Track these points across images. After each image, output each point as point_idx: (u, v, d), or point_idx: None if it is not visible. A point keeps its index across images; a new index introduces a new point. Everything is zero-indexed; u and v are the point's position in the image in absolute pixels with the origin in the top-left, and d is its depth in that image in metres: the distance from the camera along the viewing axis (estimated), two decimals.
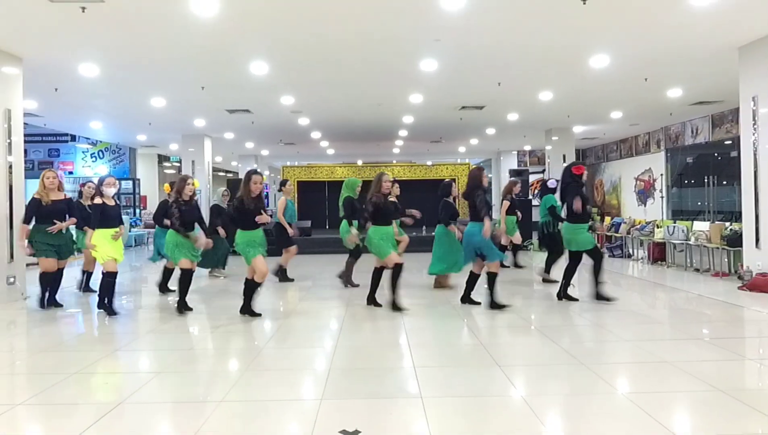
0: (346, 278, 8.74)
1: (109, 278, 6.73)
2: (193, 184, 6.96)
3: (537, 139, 18.78)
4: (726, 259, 9.52)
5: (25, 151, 12.34)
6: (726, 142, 14.22)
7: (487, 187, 7.09)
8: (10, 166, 8.01)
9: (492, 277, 6.83)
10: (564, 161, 15.97)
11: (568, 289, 7.30)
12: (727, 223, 10.16)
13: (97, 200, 6.77)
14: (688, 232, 10.46)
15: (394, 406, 3.74)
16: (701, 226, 10.54)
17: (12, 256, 7.96)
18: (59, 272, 7.20)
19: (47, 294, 7.17)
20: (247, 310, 6.61)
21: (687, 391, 3.98)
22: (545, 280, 8.84)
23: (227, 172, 29.48)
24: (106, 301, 6.74)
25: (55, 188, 7.01)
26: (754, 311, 6.73)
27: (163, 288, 8.31)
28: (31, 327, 6.62)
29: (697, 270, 10.13)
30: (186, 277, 6.82)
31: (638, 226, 12.31)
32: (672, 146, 16.55)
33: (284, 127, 15.49)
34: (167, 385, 4.33)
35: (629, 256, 12.57)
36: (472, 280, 7.09)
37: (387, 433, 3.33)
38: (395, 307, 6.81)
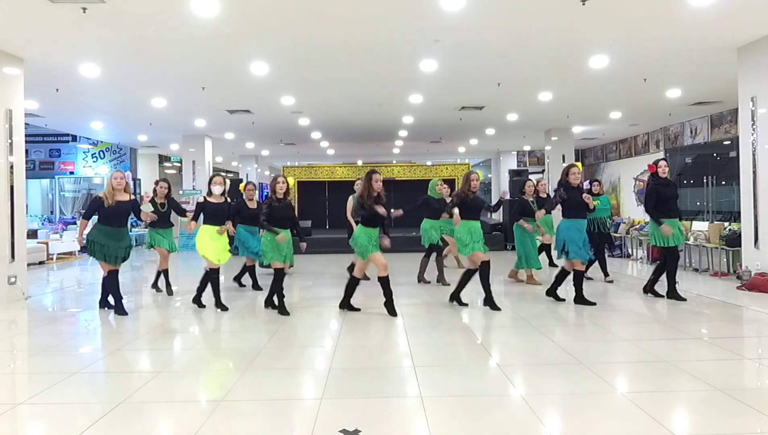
0: (439, 276, 9.06)
1: (213, 275, 7.08)
2: (283, 183, 7.07)
3: (536, 140, 18.80)
4: (725, 259, 9.54)
5: (26, 152, 12.34)
6: (725, 143, 14.22)
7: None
8: (12, 166, 8.03)
9: (562, 274, 7.29)
10: (563, 161, 15.99)
11: (677, 287, 7.37)
12: (726, 223, 10.19)
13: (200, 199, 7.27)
14: (687, 232, 10.48)
15: (394, 406, 3.76)
16: (700, 226, 10.57)
17: (13, 256, 7.99)
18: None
19: (108, 295, 7.12)
20: (346, 305, 6.95)
21: (686, 391, 3.99)
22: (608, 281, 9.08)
23: (228, 172, 29.39)
24: (215, 297, 7.10)
25: (122, 189, 6.86)
26: (752, 311, 6.75)
27: (238, 279, 9.01)
28: (32, 327, 6.64)
29: (696, 270, 10.16)
30: (279, 278, 6.88)
31: (637, 226, 12.33)
32: (671, 146, 16.55)
33: (284, 128, 15.50)
34: (167, 385, 4.34)
35: (628, 256, 12.60)
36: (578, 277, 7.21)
37: (387, 432, 3.34)
38: (493, 305, 6.85)
